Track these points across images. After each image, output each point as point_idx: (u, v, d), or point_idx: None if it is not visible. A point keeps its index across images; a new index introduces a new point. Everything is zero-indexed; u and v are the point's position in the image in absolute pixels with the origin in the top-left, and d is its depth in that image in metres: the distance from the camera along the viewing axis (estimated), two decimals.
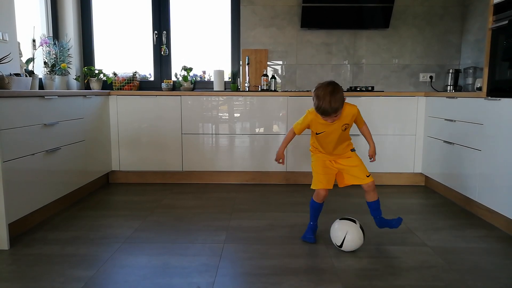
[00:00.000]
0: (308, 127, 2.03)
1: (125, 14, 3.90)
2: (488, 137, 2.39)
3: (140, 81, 3.86)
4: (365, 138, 2.18)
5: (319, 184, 2.05)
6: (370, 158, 2.19)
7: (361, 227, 1.99)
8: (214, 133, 3.40)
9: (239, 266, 1.85)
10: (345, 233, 1.95)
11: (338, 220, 2.04)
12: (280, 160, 2.12)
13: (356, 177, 2.04)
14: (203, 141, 3.41)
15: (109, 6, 3.88)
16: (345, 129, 1.98)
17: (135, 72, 3.80)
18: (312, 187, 2.07)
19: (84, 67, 3.75)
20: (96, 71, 3.69)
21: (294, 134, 2.08)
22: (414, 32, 3.81)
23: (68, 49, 3.53)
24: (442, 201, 2.94)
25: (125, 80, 3.72)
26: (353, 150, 2.10)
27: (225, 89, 3.84)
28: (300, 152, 3.32)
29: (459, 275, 1.77)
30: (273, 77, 3.67)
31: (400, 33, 3.81)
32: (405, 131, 3.33)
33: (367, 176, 2.02)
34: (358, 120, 2.07)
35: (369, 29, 3.79)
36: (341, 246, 1.97)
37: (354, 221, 2.00)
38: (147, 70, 3.94)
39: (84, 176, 2.93)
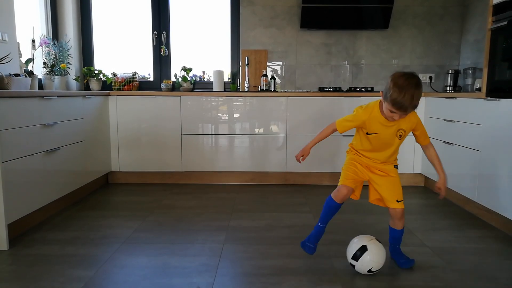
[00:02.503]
0: (357, 126, 1.78)
1: (124, 14, 3.90)
2: (487, 138, 2.39)
3: (139, 81, 3.86)
4: (431, 163, 1.84)
5: (345, 181, 1.79)
6: (440, 194, 1.81)
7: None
8: (213, 133, 3.40)
9: (239, 266, 1.85)
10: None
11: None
12: (301, 158, 1.84)
13: (385, 197, 1.79)
14: (203, 141, 3.41)
15: (108, 6, 3.88)
16: (400, 136, 1.73)
17: (135, 73, 3.80)
18: (339, 182, 1.82)
19: (83, 67, 3.75)
20: (96, 72, 3.69)
21: (334, 131, 1.79)
22: (414, 33, 3.82)
23: (68, 50, 3.53)
24: (441, 202, 2.94)
25: (124, 80, 3.72)
26: (396, 166, 1.84)
27: (224, 89, 3.84)
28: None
29: (458, 275, 1.77)
30: (272, 77, 3.67)
31: (400, 34, 3.82)
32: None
33: (398, 201, 1.76)
34: (421, 132, 1.77)
35: (369, 30, 3.79)
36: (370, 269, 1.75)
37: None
38: (146, 70, 3.95)
39: (83, 177, 2.93)
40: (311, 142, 1.85)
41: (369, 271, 1.73)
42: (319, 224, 1.85)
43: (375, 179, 1.82)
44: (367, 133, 1.75)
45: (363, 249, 1.72)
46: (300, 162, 1.88)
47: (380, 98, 1.69)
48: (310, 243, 1.86)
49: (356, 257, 1.73)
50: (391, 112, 1.61)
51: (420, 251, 2.03)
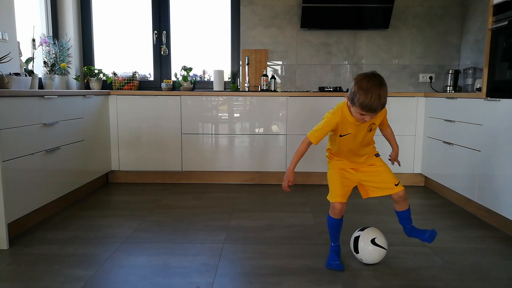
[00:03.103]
0: (330, 132, 1.77)
1: (125, 14, 3.90)
2: (488, 138, 2.39)
3: (139, 81, 3.86)
4: (387, 140, 1.96)
5: (336, 197, 1.75)
6: (392, 163, 1.96)
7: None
8: (213, 133, 3.40)
9: (239, 266, 1.85)
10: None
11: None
12: (288, 184, 1.80)
13: (383, 188, 1.78)
14: (203, 141, 3.41)
15: (109, 6, 3.87)
16: (371, 129, 1.75)
17: (135, 72, 3.80)
18: (328, 198, 1.79)
19: (83, 66, 3.75)
20: (96, 71, 3.69)
21: (309, 144, 1.76)
22: (414, 33, 3.81)
23: (68, 49, 3.53)
24: (441, 202, 2.94)
25: (124, 80, 3.72)
26: (377, 155, 1.86)
27: (225, 89, 3.84)
28: None
29: (458, 275, 1.77)
30: (273, 77, 3.67)
31: (400, 34, 3.82)
32: (405, 131, 3.33)
33: (396, 185, 1.77)
34: (384, 121, 1.85)
35: (369, 30, 3.79)
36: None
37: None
38: (146, 70, 3.95)
39: (83, 176, 2.93)
40: (291, 164, 1.80)
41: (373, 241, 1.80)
42: (332, 244, 1.87)
43: (364, 178, 1.82)
44: (340, 135, 1.74)
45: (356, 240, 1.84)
46: (289, 190, 1.83)
47: (346, 96, 1.70)
48: (335, 261, 1.83)
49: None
50: (361, 114, 1.61)
51: (420, 251, 2.02)
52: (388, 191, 1.79)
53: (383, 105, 1.59)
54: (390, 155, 1.98)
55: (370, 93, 1.54)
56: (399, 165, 1.99)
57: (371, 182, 1.82)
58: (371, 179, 1.81)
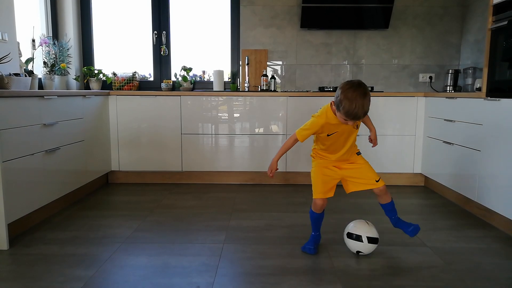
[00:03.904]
0: (316, 133, 1.90)
1: (124, 14, 3.90)
2: (488, 138, 2.39)
3: (139, 81, 3.86)
4: (365, 124, 2.08)
5: (318, 194, 1.92)
6: (373, 143, 2.07)
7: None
8: (213, 133, 3.40)
9: (239, 266, 1.85)
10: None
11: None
12: (271, 173, 1.93)
13: (365, 183, 1.92)
14: (203, 141, 3.41)
15: (108, 6, 3.88)
16: (357, 126, 1.88)
17: (135, 72, 3.80)
18: (313, 195, 1.95)
19: (83, 67, 3.75)
20: (96, 71, 3.69)
21: (296, 141, 1.92)
22: (414, 33, 3.82)
23: (68, 49, 3.53)
24: (441, 202, 2.94)
25: (124, 80, 3.72)
26: (358, 153, 1.98)
27: (224, 89, 3.84)
28: (300, 152, 3.32)
29: (458, 275, 1.77)
30: (272, 77, 3.67)
31: (400, 34, 3.82)
32: (405, 131, 3.33)
33: (377, 181, 1.90)
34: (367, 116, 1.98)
35: (369, 30, 3.79)
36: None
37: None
38: (146, 70, 3.95)
39: (83, 176, 2.93)
40: (276, 156, 1.95)
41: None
42: (312, 233, 2.03)
43: (347, 174, 1.95)
44: (328, 135, 1.87)
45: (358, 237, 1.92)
46: (272, 176, 1.96)
47: (330, 102, 1.84)
48: (309, 245, 2.00)
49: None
50: (345, 119, 1.74)
51: (420, 251, 2.02)
52: (369, 186, 1.92)
53: (365, 113, 1.72)
54: (369, 137, 2.09)
55: (355, 103, 1.67)
56: (376, 145, 2.10)
57: (353, 178, 1.94)
58: (353, 175, 1.94)
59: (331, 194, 1.94)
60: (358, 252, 1.94)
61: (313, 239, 2.01)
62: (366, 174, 1.92)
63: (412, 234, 1.95)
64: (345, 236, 1.97)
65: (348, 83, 1.73)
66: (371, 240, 1.90)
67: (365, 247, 1.91)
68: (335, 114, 1.80)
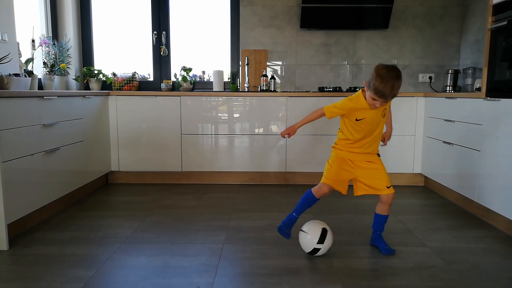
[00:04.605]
0: (343, 115, 1.90)
1: (124, 14, 3.90)
2: (487, 138, 2.39)
3: (139, 81, 3.86)
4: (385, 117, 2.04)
5: (327, 180, 1.92)
6: (383, 142, 2.06)
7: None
8: (213, 133, 3.40)
9: (239, 266, 1.85)
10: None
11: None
12: (287, 135, 1.97)
13: (375, 187, 1.91)
14: (203, 141, 3.41)
15: (108, 6, 3.88)
16: (384, 115, 1.89)
17: (135, 73, 3.80)
18: (321, 180, 1.96)
19: (83, 67, 3.75)
20: (96, 72, 3.69)
21: (321, 115, 1.93)
22: (414, 33, 3.82)
23: (68, 49, 3.53)
24: (441, 202, 2.94)
25: (124, 80, 3.72)
26: (378, 155, 1.97)
27: (224, 89, 3.84)
28: (300, 152, 3.32)
29: (458, 275, 1.77)
30: (272, 77, 3.67)
31: (400, 34, 3.82)
32: (405, 131, 3.33)
33: (388, 188, 1.89)
34: (389, 104, 1.97)
35: (369, 30, 3.79)
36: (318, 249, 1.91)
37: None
38: (146, 70, 3.95)
39: (83, 177, 2.93)
40: (298, 122, 1.98)
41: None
42: (293, 214, 2.01)
43: (361, 174, 1.93)
44: (356, 119, 1.87)
45: (324, 232, 1.90)
46: (284, 137, 2.01)
47: (364, 87, 1.85)
48: (287, 228, 2.02)
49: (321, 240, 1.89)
50: (373, 99, 1.76)
51: (420, 251, 2.02)
52: (379, 191, 1.91)
53: (394, 95, 1.74)
54: (384, 134, 2.08)
55: (386, 81, 1.70)
56: (385, 144, 2.10)
57: (365, 179, 1.93)
58: (367, 176, 1.92)
59: (340, 188, 1.95)
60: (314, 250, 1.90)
61: (289, 222, 2.02)
62: (379, 177, 1.91)
63: (385, 252, 1.97)
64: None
65: (384, 64, 1.78)
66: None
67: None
68: (365, 99, 1.82)
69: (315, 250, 1.90)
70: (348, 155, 1.94)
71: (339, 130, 1.99)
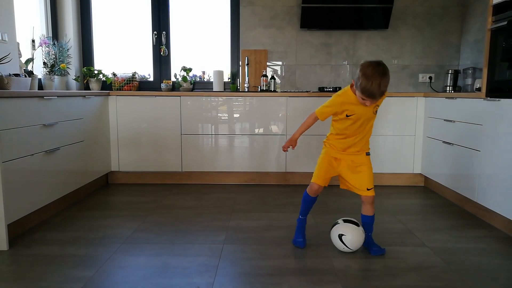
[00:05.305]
0: (335, 113, 1.89)
1: (124, 14, 3.90)
2: (487, 138, 2.39)
3: (139, 81, 3.86)
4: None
5: (317, 179, 1.97)
6: None
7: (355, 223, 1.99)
8: (213, 133, 3.40)
9: (239, 266, 1.85)
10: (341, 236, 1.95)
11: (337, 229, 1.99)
12: (285, 149, 2.00)
13: (356, 187, 1.94)
14: (203, 141, 3.41)
15: (108, 6, 3.88)
16: (376, 112, 1.88)
17: (135, 73, 3.80)
18: (312, 179, 2.00)
19: (83, 67, 3.75)
20: (96, 72, 3.69)
21: (316, 119, 1.94)
22: (414, 33, 3.82)
23: (68, 50, 3.53)
24: (441, 202, 2.94)
25: (124, 80, 3.72)
26: (368, 153, 1.97)
27: (224, 89, 3.84)
28: (300, 152, 3.32)
29: (458, 275, 1.77)
30: (272, 77, 3.67)
31: (400, 34, 3.82)
32: (405, 131, 3.33)
33: (368, 190, 1.92)
34: (381, 102, 1.95)
35: (369, 30, 3.79)
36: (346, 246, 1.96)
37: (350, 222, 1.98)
38: (146, 70, 3.95)
39: (83, 177, 2.93)
40: (297, 132, 2.01)
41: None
42: (300, 217, 2.07)
43: (344, 173, 1.97)
44: (347, 115, 1.85)
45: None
46: (286, 151, 2.03)
47: (351, 82, 1.84)
48: (298, 238, 2.06)
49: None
50: (362, 99, 1.75)
51: (420, 251, 2.03)
52: (358, 191, 1.94)
53: (382, 93, 1.72)
54: None
55: (372, 80, 1.67)
56: None
57: (348, 178, 1.97)
58: (349, 176, 1.96)
59: (326, 184, 2.00)
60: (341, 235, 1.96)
61: (300, 227, 2.06)
62: (361, 179, 1.93)
63: (374, 253, 1.97)
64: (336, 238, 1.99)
65: (368, 61, 1.74)
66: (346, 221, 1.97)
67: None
68: (355, 94, 1.81)
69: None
70: (336, 154, 1.97)
71: (331, 124, 2.00)
